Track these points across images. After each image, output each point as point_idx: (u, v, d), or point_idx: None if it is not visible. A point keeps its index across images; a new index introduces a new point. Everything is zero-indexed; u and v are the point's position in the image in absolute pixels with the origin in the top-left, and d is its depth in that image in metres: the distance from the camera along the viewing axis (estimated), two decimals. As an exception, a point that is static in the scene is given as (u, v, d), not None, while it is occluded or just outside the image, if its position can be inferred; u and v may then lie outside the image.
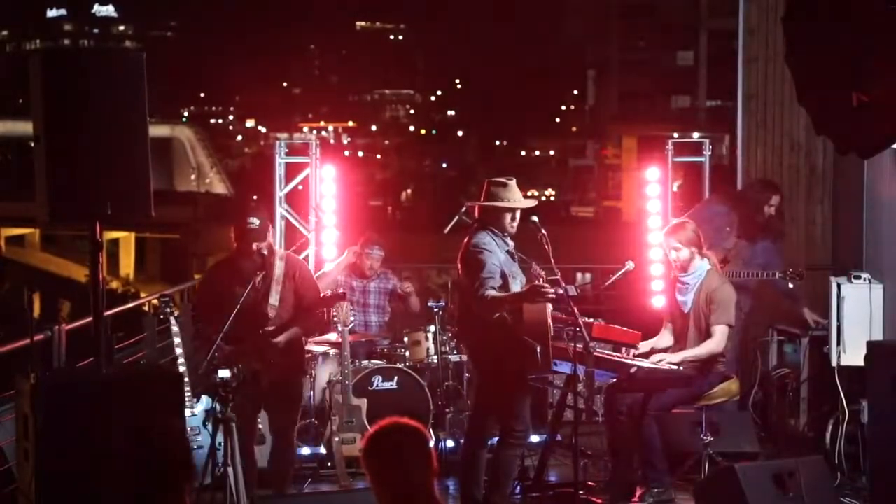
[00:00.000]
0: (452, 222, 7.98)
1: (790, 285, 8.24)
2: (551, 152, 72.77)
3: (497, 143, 74.65)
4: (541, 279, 6.49)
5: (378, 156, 74.42)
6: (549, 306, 6.39)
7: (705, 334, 6.94)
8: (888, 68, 5.11)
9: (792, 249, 9.71)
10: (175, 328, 7.12)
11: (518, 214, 6.53)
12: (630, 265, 7.65)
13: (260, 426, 6.72)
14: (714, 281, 6.98)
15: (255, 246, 6.20)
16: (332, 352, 7.98)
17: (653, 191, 9.10)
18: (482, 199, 6.54)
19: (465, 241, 6.52)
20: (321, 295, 6.58)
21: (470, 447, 6.65)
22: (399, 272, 9.25)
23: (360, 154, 72.80)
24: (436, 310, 8.23)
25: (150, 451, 3.58)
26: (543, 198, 64.83)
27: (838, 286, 7.32)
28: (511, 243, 6.56)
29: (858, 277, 7.30)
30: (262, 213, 6.39)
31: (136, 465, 3.56)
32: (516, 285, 6.42)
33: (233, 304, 6.10)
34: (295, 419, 6.63)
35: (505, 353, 6.33)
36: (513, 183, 6.55)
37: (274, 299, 6.25)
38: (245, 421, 6.25)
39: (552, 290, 6.17)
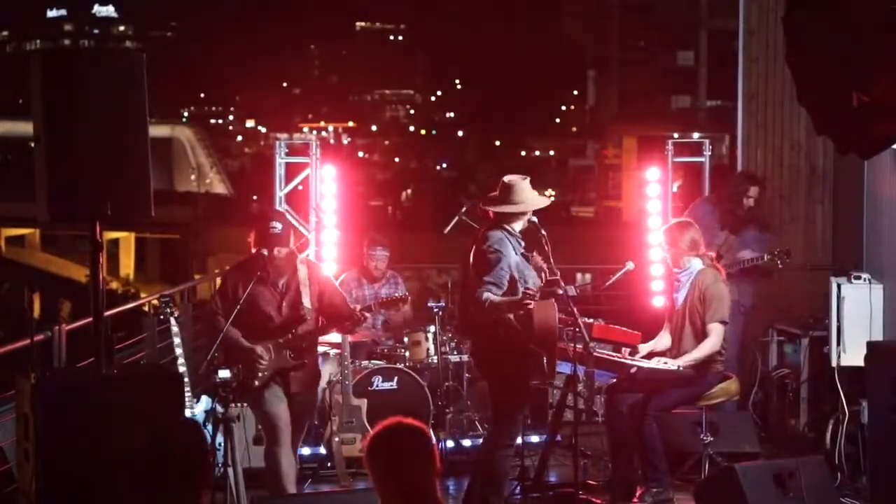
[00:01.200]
0: (453, 222, 7.99)
1: (779, 265, 8.25)
2: (551, 152, 72.79)
3: (497, 143, 74.64)
4: (543, 272, 6.45)
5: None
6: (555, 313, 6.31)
7: (700, 332, 6.95)
8: (888, 68, 5.11)
9: (792, 249, 9.72)
10: (175, 328, 7.11)
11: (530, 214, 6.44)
12: (630, 265, 7.66)
13: (260, 427, 6.70)
14: (707, 278, 6.99)
15: (276, 251, 6.19)
16: (333, 352, 7.98)
17: (653, 191, 9.10)
18: (499, 199, 6.41)
19: (480, 237, 6.40)
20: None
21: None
22: (401, 273, 9.24)
23: (361, 154, 72.82)
24: (436, 310, 8.22)
25: (168, 451, 3.57)
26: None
27: (838, 286, 7.31)
28: (523, 244, 6.49)
29: (858, 277, 7.30)
30: (284, 217, 6.42)
31: (154, 465, 3.55)
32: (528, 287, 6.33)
33: (253, 307, 6.16)
34: (304, 429, 6.61)
35: (506, 356, 6.31)
36: (526, 183, 6.43)
37: (307, 301, 6.27)
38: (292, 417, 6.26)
39: (535, 294, 6.12)
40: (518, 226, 6.42)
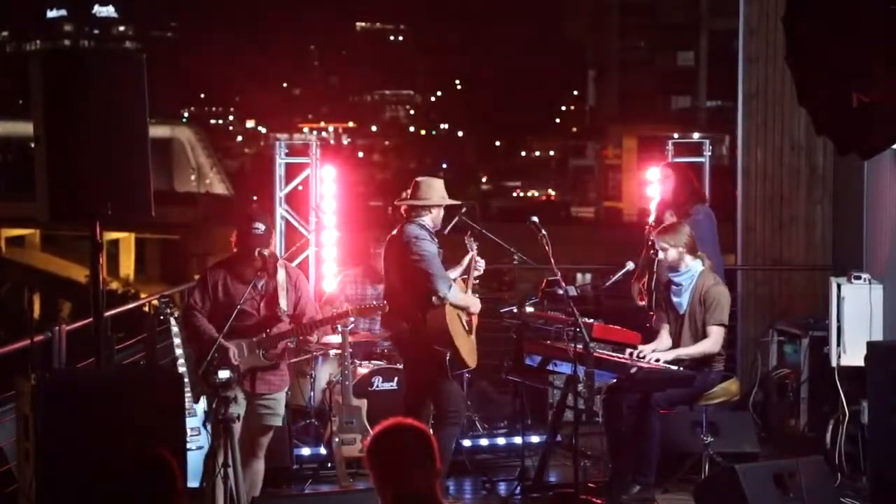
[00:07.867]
0: (452, 223, 7.98)
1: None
2: (551, 152, 72.80)
3: (497, 143, 74.63)
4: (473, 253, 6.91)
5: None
6: (450, 314, 6.55)
7: (700, 334, 6.98)
8: (888, 69, 5.12)
9: (792, 249, 9.72)
10: (175, 328, 7.11)
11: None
12: (630, 265, 7.65)
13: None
14: (708, 280, 7.02)
15: (257, 252, 6.17)
16: (333, 352, 7.97)
17: (653, 191, 9.09)
18: (410, 196, 6.81)
19: (398, 233, 6.77)
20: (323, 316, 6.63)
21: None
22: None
23: (360, 154, 72.83)
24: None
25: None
26: (544, 198, 64.96)
27: (838, 286, 7.31)
28: (436, 240, 6.81)
29: (858, 277, 7.30)
30: (266, 218, 6.38)
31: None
32: None
33: (231, 306, 6.10)
34: (270, 432, 6.50)
35: (415, 352, 6.70)
36: (436, 182, 6.88)
37: (284, 303, 6.27)
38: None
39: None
40: (426, 220, 6.76)
